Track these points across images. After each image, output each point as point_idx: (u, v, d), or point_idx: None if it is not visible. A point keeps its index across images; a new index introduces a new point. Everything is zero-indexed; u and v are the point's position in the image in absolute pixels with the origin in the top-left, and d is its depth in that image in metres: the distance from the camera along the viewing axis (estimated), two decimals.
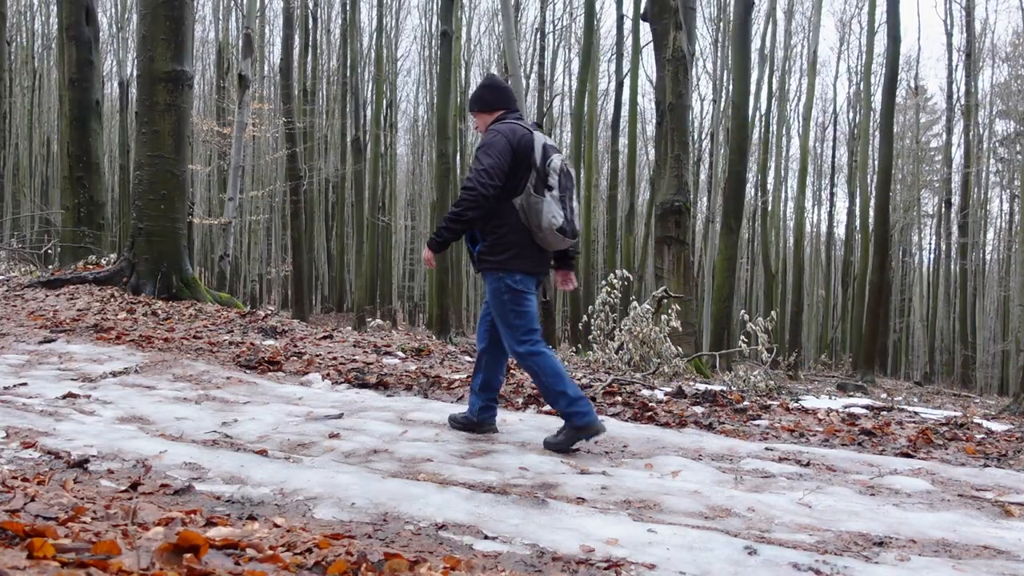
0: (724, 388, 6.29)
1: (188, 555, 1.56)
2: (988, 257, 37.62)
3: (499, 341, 3.71)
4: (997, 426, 4.90)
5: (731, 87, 20.69)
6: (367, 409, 4.24)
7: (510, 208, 3.53)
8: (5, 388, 4.18)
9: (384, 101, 32.67)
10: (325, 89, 34.46)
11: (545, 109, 33.19)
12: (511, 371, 5.82)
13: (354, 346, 6.78)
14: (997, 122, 33.46)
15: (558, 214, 3.52)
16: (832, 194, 37.34)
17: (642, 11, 13.65)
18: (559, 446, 3.46)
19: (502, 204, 3.53)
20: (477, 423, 3.76)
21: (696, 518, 2.53)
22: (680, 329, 8.70)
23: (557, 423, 4.04)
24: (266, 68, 34.80)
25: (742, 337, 8.39)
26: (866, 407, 5.56)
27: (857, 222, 29.51)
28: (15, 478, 2.31)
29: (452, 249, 28.96)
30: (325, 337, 7.17)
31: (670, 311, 8.58)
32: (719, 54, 29.46)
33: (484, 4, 66.38)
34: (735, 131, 16.79)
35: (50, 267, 11.97)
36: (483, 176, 3.44)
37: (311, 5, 29.12)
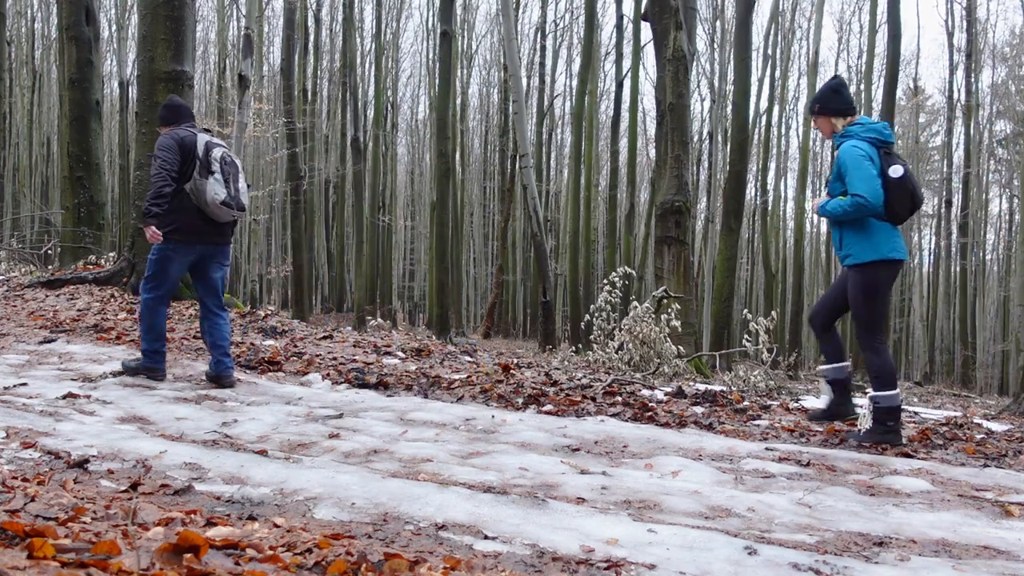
0: (724, 388, 6.29)
1: (188, 555, 1.56)
2: (988, 257, 37.63)
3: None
4: (997, 426, 4.90)
5: (732, 87, 20.69)
6: (367, 409, 4.25)
7: (181, 193, 4.59)
8: (5, 388, 4.18)
9: (384, 101, 32.67)
10: (326, 89, 34.46)
11: (545, 109, 33.20)
12: (511, 371, 5.82)
13: (354, 346, 6.78)
14: (997, 122, 33.46)
15: (220, 191, 4.58)
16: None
17: (643, 11, 13.66)
18: (129, 368, 4.74)
19: (176, 190, 4.58)
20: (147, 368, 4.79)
21: (696, 518, 2.52)
22: (680, 329, 8.70)
23: (556, 423, 4.05)
24: (266, 68, 34.80)
25: (745, 337, 8.39)
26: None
27: None
28: (15, 478, 2.31)
29: (452, 249, 28.95)
30: (325, 337, 7.17)
31: (670, 311, 8.59)
32: (717, 55, 29.46)
33: (484, 4, 66.40)
34: (735, 131, 16.79)
35: (50, 267, 11.97)
36: (163, 165, 4.53)
37: (313, 6, 29.14)
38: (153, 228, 4.52)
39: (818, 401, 4.29)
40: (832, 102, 4.06)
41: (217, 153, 4.63)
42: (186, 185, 4.57)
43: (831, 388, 4.23)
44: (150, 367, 4.75)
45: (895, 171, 3.86)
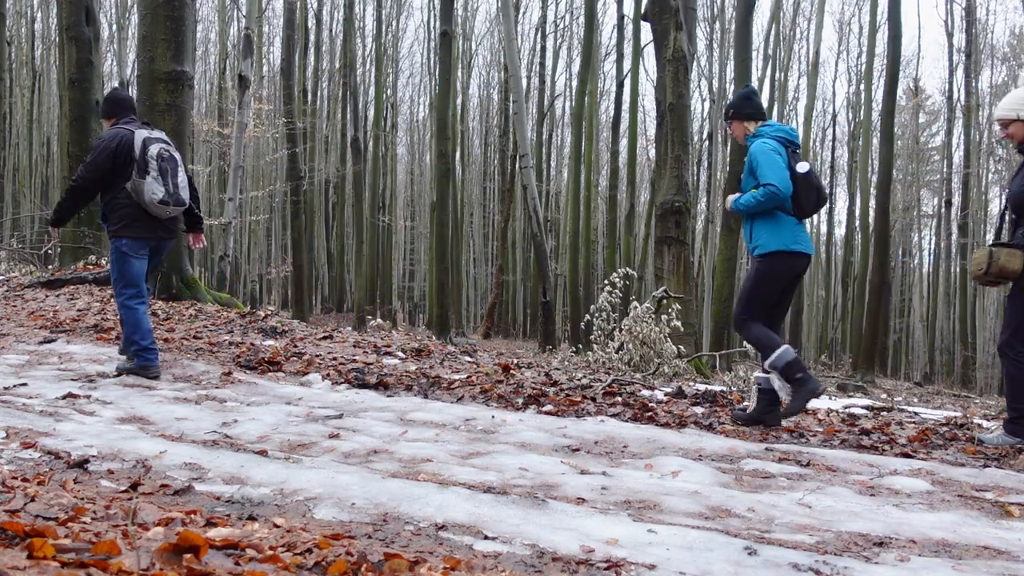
0: (724, 388, 6.29)
1: (188, 555, 1.56)
2: None
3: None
4: (997, 426, 4.89)
5: (732, 87, 20.68)
6: (367, 409, 4.25)
7: (124, 191, 4.72)
8: (5, 388, 4.18)
9: (384, 102, 32.67)
10: (326, 89, 34.47)
11: (545, 109, 33.20)
12: (511, 372, 5.82)
13: (354, 346, 6.78)
14: (996, 122, 33.42)
15: (158, 190, 4.69)
16: (832, 194, 37.34)
17: (643, 11, 13.66)
18: (123, 369, 4.80)
19: (118, 189, 4.73)
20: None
21: (696, 518, 2.52)
22: (680, 329, 8.70)
23: (556, 423, 4.04)
24: (267, 68, 34.81)
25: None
26: (866, 407, 5.56)
27: (857, 222, 29.52)
28: (15, 478, 2.31)
29: (452, 250, 28.95)
30: (325, 337, 7.17)
31: (670, 311, 8.58)
32: (717, 55, 29.46)
33: (484, 4, 66.40)
34: None
35: (50, 267, 11.97)
36: (85, 172, 4.76)
37: (314, 6, 29.14)
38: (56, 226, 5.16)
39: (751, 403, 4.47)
40: (744, 108, 4.47)
41: (154, 150, 4.69)
42: (127, 185, 4.70)
43: (763, 393, 4.29)
44: (144, 366, 4.80)
45: (802, 167, 4.23)
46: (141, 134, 4.72)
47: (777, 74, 30.86)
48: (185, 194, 4.85)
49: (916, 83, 35.91)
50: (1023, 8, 28.66)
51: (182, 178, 4.84)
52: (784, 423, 4.43)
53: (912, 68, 36.00)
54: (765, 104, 30.01)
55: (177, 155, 4.87)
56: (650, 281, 25.53)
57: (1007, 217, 4.17)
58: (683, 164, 10.65)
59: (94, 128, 12.11)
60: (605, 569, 1.96)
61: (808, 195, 4.21)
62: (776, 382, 4.16)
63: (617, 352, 8.21)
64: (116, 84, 29.77)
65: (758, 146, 4.26)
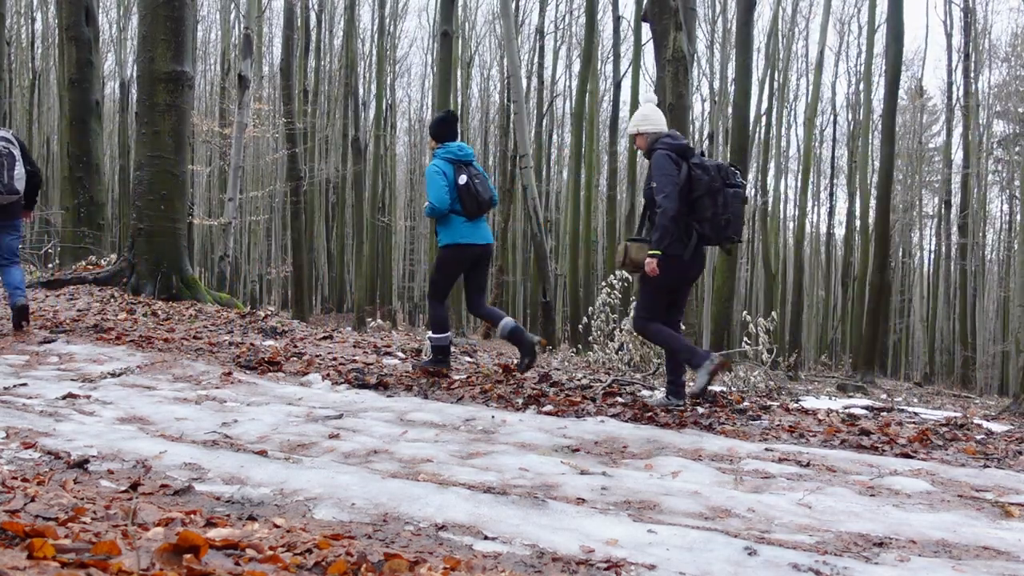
0: (724, 389, 6.29)
1: (188, 555, 1.56)
2: (988, 257, 37.62)
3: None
4: (997, 427, 4.90)
5: (732, 87, 20.69)
6: (367, 409, 4.24)
7: None
8: (5, 388, 4.18)
9: (384, 102, 32.67)
10: (326, 89, 34.46)
11: (545, 109, 33.20)
12: (511, 372, 5.82)
13: (354, 346, 6.78)
14: (996, 123, 33.46)
15: None
16: (832, 194, 37.35)
17: (642, 11, 13.65)
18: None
19: None
20: None
21: (696, 518, 2.52)
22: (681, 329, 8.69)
23: (556, 423, 4.04)
24: (267, 68, 34.82)
25: (745, 339, 8.38)
26: (866, 408, 5.56)
27: (857, 222, 29.51)
28: (15, 478, 2.31)
29: None
30: (325, 337, 7.17)
31: None
32: (718, 55, 29.46)
33: (485, 4, 66.40)
34: (736, 131, 16.77)
35: (50, 267, 11.97)
36: None
37: (315, 6, 29.13)
38: None
39: (427, 356, 5.96)
40: (432, 129, 5.55)
41: None
42: None
43: (437, 350, 5.57)
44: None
45: (462, 180, 5.29)
46: None
47: (777, 74, 30.86)
48: (20, 184, 5.75)
49: (920, 84, 35.93)
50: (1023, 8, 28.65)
51: (19, 171, 5.72)
52: (783, 423, 4.43)
53: (916, 68, 36.01)
54: (765, 105, 30.10)
55: (15, 151, 5.73)
56: None
57: (647, 214, 4.72)
58: None
59: (94, 128, 12.12)
60: (605, 569, 1.96)
61: (470, 202, 5.27)
62: (429, 351, 5.74)
63: (617, 352, 8.21)
64: (117, 84, 29.78)
65: (429, 167, 5.37)
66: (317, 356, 6.07)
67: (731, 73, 23.34)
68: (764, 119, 29.71)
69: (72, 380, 4.59)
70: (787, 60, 31.77)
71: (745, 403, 5.08)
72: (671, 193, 4.41)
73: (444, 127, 5.51)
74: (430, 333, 5.63)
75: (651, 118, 4.75)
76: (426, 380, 5.30)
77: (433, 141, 5.51)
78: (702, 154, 4.67)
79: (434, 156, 5.41)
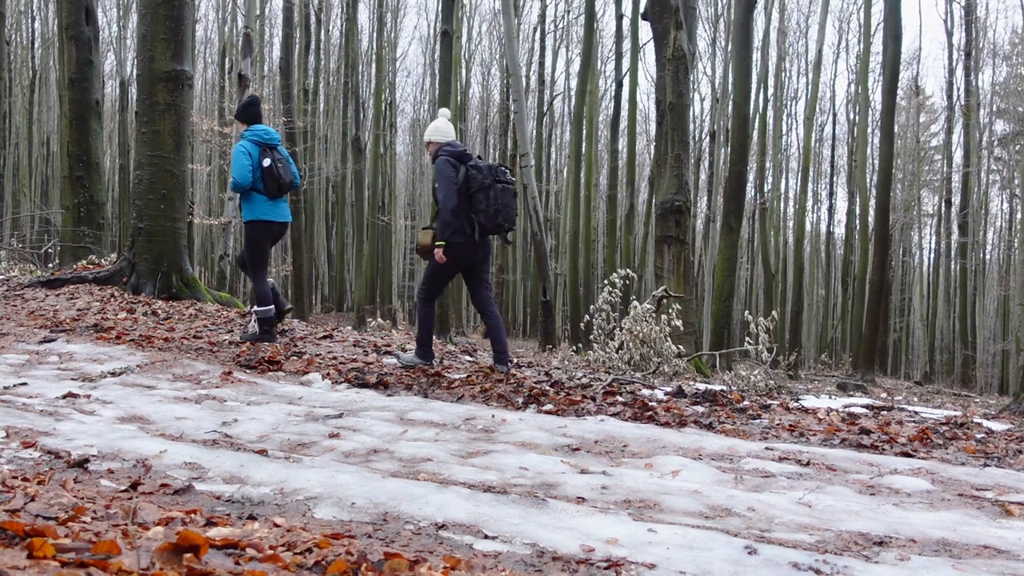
0: (724, 388, 6.29)
1: (188, 555, 1.56)
2: (988, 257, 37.63)
3: None
4: (997, 425, 4.90)
5: (732, 86, 20.68)
6: (367, 409, 4.24)
7: None
8: (5, 388, 4.18)
9: (384, 101, 32.65)
10: (325, 89, 34.45)
11: (545, 109, 33.19)
12: (512, 372, 5.82)
13: (354, 346, 6.78)
14: (997, 122, 33.45)
15: None
16: (832, 193, 37.33)
17: (643, 10, 13.65)
18: None
19: None
20: None
21: (696, 518, 2.52)
22: (680, 328, 8.70)
23: (556, 422, 4.05)
24: (267, 68, 34.79)
25: (747, 339, 8.38)
26: (866, 407, 5.56)
27: (857, 222, 29.49)
28: (15, 478, 2.31)
29: None
30: (325, 337, 7.16)
31: (670, 311, 8.58)
32: (719, 54, 29.46)
33: (485, 4, 66.36)
34: (736, 130, 16.78)
35: (50, 267, 11.97)
36: None
37: (315, 5, 29.11)
38: None
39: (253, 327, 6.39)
40: (240, 113, 6.14)
41: None
42: None
43: (262, 323, 6.19)
44: None
45: (266, 162, 5.91)
46: None
47: (770, 73, 30.83)
48: None
49: (917, 83, 35.91)
50: (1022, 9, 28.65)
51: None
52: (783, 422, 4.43)
53: (914, 67, 35.97)
54: (764, 104, 30.09)
55: None
56: (650, 280, 25.52)
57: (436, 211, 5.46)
58: (683, 163, 10.65)
59: (94, 128, 12.11)
60: (605, 568, 1.96)
61: (271, 182, 5.94)
62: (253, 323, 6.30)
63: (617, 351, 8.21)
64: (117, 84, 29.75)
65: (236, 147, 5.91)
66: (317, 355, 6.07)
67: (731, 72, 23.33)
68: (763, 118, 29.70)
69: (72, 379, 4.59)
70: (787, 60, 31.74)
71: (745, 402, 5.08)
72: (450, 192, 5.23)
73: (251, 111, 6.07)
74: (255, 307, 6.21)
75: (441, 130, 5.49)
76: (426, 379, 5.30)
77: (242, 124, 6.06)
78: (479, 157, 5.50)
79: (242, 137, 5.97)
